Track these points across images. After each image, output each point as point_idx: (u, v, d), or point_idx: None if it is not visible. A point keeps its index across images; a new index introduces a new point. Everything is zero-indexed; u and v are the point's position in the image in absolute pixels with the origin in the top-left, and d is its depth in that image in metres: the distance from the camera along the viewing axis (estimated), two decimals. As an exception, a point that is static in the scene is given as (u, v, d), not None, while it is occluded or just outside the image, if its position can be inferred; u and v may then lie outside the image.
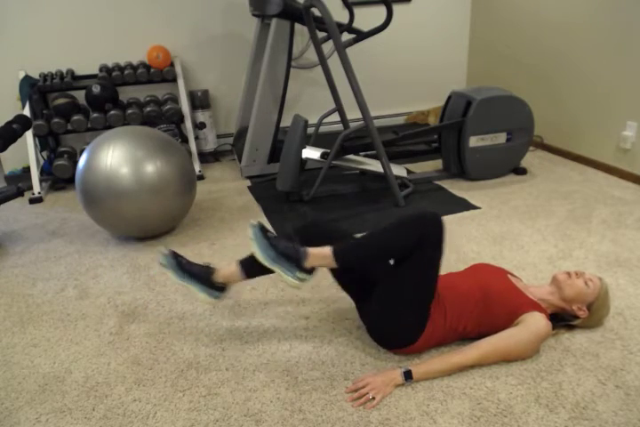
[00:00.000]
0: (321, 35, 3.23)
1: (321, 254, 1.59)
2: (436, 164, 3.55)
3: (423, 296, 1.62)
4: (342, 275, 1.79)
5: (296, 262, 1.59)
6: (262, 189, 3.31)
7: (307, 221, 1.70)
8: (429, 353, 1.71)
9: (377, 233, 1.62)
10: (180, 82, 3.65)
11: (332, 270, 1.78)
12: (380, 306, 1.66)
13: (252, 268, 1.71)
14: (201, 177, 3.57)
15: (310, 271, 1.61)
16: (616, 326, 1.81)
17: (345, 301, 2.03)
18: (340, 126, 3.64)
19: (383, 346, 1.73)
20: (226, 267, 1.75)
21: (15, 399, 1.62)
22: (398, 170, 3.22)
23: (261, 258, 1.59)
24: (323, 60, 3.10)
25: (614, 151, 3.20)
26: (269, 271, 1.67)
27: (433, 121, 4.30)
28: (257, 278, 1.78)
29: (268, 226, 2.76)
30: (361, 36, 3.24)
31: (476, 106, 3.00)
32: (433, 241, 1.58)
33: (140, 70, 3.53)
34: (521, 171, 3.29)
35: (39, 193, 3.35)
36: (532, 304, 1.66)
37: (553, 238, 2.46)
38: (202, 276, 1.72)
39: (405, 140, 3.13)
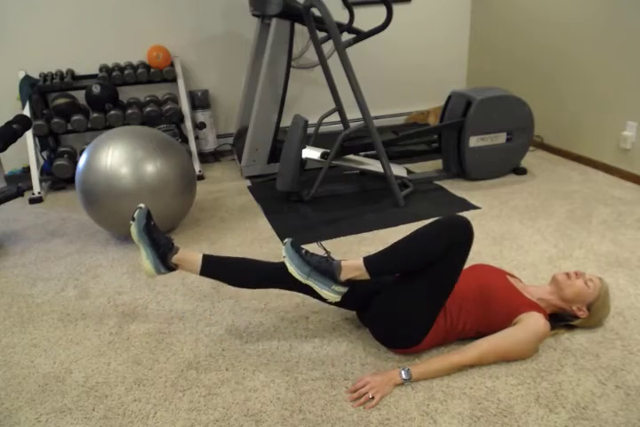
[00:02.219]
0: (321, 35, 3.23)
1: (353, 266, 1.60)
2: (436, 164, 3.55)
3: (440, 300, 1.62)
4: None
5: (331, 276, 1.59)
6: (262, 189, 3.31)
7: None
8: (429, 353, 1.71)
9: (407, 241, 1.61)
10: (180, 82, 3.65)
11: None
12: (393, 308, 1.64)
13: (211, 269, 1.74)
14: (201, 177, 3.57)
15: (346, 284, 1.61)
16: (616, 326, 1.81)
17: (345, 301, 2.03)
18: (339, 126, 3.64)
19: (387, 346, 1.73)
20: (189, 253, 1.76)
21: (15, 399, 1.62)
22: (398, 170, 3.22)
23: (296, 274, 1.60)
24: (323, 60, 3.10)
25: (614, 151, 3.20)
26: (224, 279, 1.75)
27: (433, 121, 4.30)
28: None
29: (271, 225, 2.76)
30: (361, 36, 3.24)
31: (475, 106, 2.99)
32: (461, 248, 1.58)
33: (139, 70, 3.53)
34: (521, 171, 3.29)
35: (39, 193, 3.35)
36: (530, 305, 1.67)
37: (553, 238, 2.46)
38: (161, 247, 1.72)
39: (405, 140, 3.13)
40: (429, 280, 1.60)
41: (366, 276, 1.60)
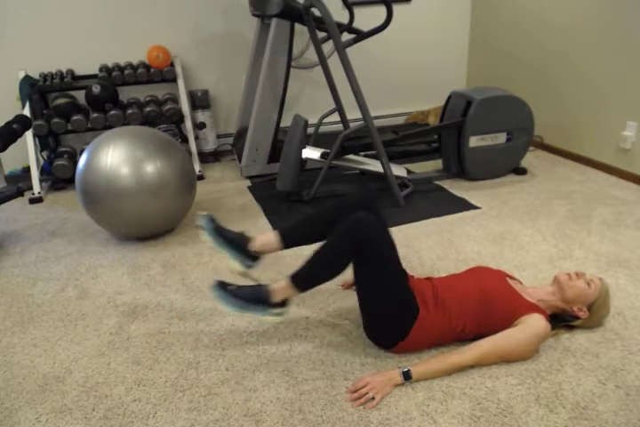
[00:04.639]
0: (321, 35, 3.23)
1: (282, 289, 1.65)
2: (436, 164, 3.55)
3: (392, 293, 1.63)
4: None
5: (266, 303, 1.65)
6: (262, 189, 3.31)
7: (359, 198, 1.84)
8: (429, 353, 1.71)
9: (321, 251, 1.64)
10: (180, 82, 3.65)
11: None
12: (361, 307, 1.71)
13: (290, 241, 1.80)
14: (201, 177, 3.57)
15: (284, 303, 1.68)
16: (616, 326, 1.81)
17: (345, 301, 2.03)
18: (339, 126, 3.64)
19: (379, 346, 1.74)
20: (263, 237, 1.80)
21: (15, 399, 1.62)
22: (398, 170, 3.22)
23: (232, 310, 1.65)
24: (323, 60, 3.10)
25: (614, 151, 3.20)
26: (308, 242, 1.81)
27: (433, 121, 4.30)
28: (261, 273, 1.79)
29: (267, 226, 2.76)
30: (361, 35, 3.24)
31: (475, 106, 3.00)
32: (375, 241, 1.60)
33: (139, 70, 3.53)
34: (521, 171, 3.29)
35: (39, 193, 3.35)
36: (530, 306, 1.66)
37: (553, 238, 2.46)
38: (238, 243, 1.77)
39: (405, 140, 3.13)
40: (369, 278, 1.64)
41: (297, 293, 1.66)
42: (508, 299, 1.67)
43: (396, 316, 1.64)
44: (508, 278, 1.79)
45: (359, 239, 1.58)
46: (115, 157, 2.40)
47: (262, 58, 3.31)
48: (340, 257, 1.61)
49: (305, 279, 1.66)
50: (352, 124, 3.11)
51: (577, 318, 1.73)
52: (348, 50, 3.47)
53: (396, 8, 4.07)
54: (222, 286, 1.68)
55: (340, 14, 3.64)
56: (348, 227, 1.61)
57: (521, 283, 1.85)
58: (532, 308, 1.66)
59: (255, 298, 1.65)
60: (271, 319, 1.67)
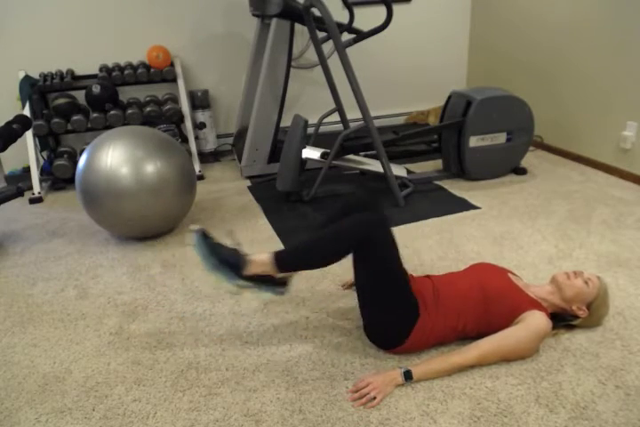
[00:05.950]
0: (321, 35, 3.23)
1: (261, 262, 1.59)
2: (436, 164, 3.55)
3: (393, 295, 1.62)
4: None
5: (236, 271, 1.58)
6: (262, 189, 3.31)
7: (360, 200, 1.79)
8: (429, 353, 1.71)
9: (317, 238, 1.61)
10: (180, 82, 3.65)
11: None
12: (361, 308, 1.70)
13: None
14: (201, 177, 3.57)
15: (250, 279, 1.60)
16: (616, 326, 1.81)
17: (345, 301, 2.03)
18: (339, 126, 3.64)
19: (378, 347, 1.74)
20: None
21: (15, 399, 1.62)
22: (398, 170, 3.22)
23: (203, 264, 1.57)
24: (323, 60, 3.10)
25: (614, 151, 3.20)
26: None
27: (433, 121, 4.30)
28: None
29: (267, 224, 2.76)
30: (361, 36, 3.24)
31: (475, 106, 2.99)
32: (379, 242, 1.58)
33: (139, 70, 3.53)
34: (521, 171, 3.29)
35: (39, 193, 3.35)
36: (532, 303, 1.67)
37: (553, 238, 2.46)
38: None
39: (405, 140, 3.13)
40: (371, 280, 1.61)
41: (274, 272, 1.58)
42: (510, 295, 1.67)
43: (395, 321, 1.64)
44: (510, 275, 1.79)
45: (363, 239, 1.55)
46: (115, 157, 2.40)
47: (262, 58, 3.30)
48: (336, 253, 1.58)
49: (289, 262, 1.60)
50: (352, 124, 3.11)
51: (576, 317, 1.73)
52: (348, 50, 3.46)
53: (396, 8, 4.07)
54: (204, 237, 1.58)
55: (340, 14, 3.64)
56: (353, 226, 1.58)
57: (522, 280, 1.85)
58: (534, 304, 1.66)
59: (230, 263, 1.56)
60: (232, 289, 1.57)
